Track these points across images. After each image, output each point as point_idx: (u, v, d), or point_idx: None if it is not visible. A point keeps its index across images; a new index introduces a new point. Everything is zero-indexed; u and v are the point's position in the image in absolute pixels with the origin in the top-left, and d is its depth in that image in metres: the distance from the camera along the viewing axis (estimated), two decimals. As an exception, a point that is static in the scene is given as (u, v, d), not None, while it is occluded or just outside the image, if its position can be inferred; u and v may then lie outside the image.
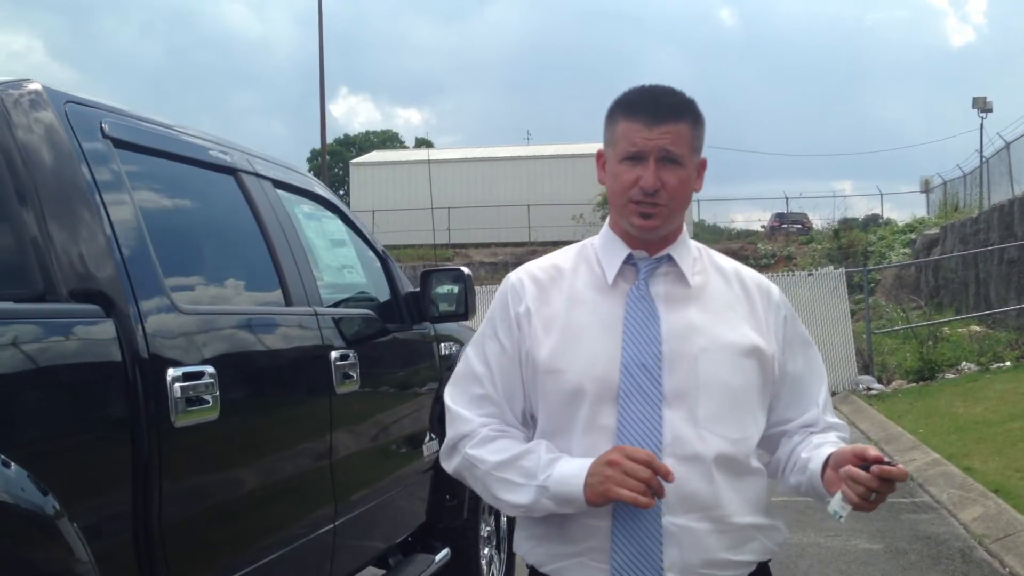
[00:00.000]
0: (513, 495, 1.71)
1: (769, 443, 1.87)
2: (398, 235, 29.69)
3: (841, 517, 1.67)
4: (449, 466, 1.85)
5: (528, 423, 1.82)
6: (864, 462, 1.63)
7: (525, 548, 1.81)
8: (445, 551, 4.14)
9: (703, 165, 1.81)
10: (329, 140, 52.61)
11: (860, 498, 1.62)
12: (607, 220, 1.86)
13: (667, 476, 1.59)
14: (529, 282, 1.82)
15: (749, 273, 1.89)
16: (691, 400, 1.69)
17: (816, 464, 1.75)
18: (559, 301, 1.78)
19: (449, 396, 1.86)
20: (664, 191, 1.70)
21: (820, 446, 1.78)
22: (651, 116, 1.70)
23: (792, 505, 7.10)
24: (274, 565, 2.75)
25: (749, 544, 1.74)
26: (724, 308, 1.78)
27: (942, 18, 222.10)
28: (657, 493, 1.59)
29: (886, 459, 1.64)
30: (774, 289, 1.87)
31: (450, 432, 1.83)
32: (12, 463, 1.84)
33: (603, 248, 1.82)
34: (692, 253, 1.83)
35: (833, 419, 1.88)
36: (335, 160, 53.91)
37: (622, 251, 1.79)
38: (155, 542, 2.26)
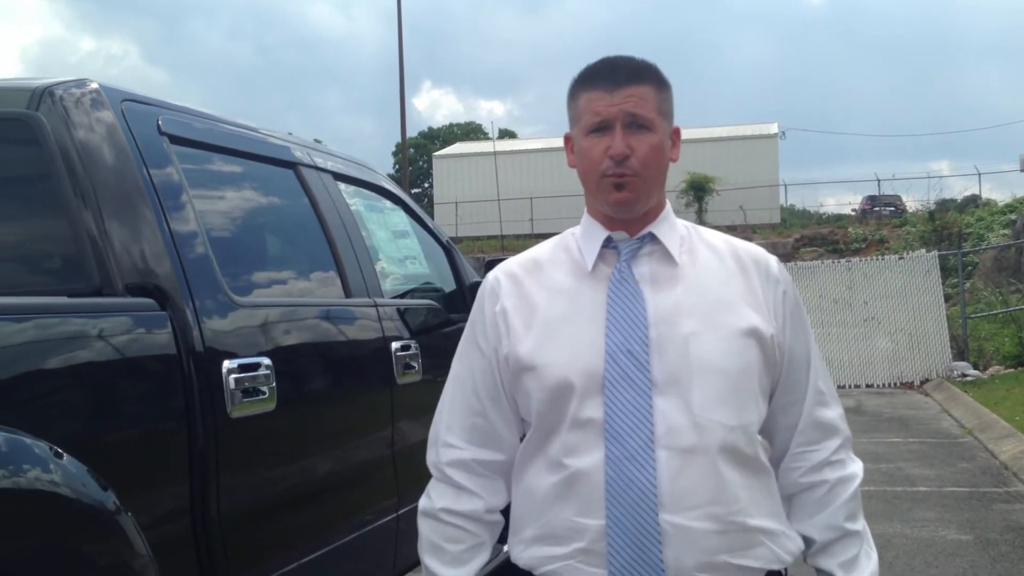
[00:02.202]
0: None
1: (767, 436, 1.75)
2: (481, 226, 29.82)
3: None
4: (428, 460, 1.83)
5: (519, 422, 1.75)
6: None
7: (516, 552, 1.70)
8: (515, 541, 4.13)
9: (677, 133, 1.69)
10: (413, 134, 53.15)
11: None
12: (586, 206, 1.75)
13: None
14: (506, 279, 1.73)
15: (744, 246, 1.74)
16: (684, 386, 1.56)
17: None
18: (538, 295, 1.68)
19: (444, 396, 1.82)
20: (634, 157, 1.59)
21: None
22: (611, 81, 1.61)
23: (879, 495, 6.91)
24: (335, 554, 2.77)
25: (756, 549, 1.59)
26: (717, 286, 1.65)
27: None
28: None
29: None
30: (772, 261, 1.72)
31: (434, 432, 1.82)
32: (72, 457, 1.87)
33: (583, 235, 1.72)
34: (679, 231, 1.71)
35: (824, 413, 1.73)
36: (419, 153, 54.39)
37: (600, 234, 1.68)
38: (213, 533, 2.29)
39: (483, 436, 1.74)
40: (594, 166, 1.62)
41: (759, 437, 1.67)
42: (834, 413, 1.74)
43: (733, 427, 1.58)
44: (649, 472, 1.53)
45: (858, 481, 1.73)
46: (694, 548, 1.54)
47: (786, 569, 1.67)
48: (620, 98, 1.59)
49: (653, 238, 1.67)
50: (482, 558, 1.75)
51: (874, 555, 1.72)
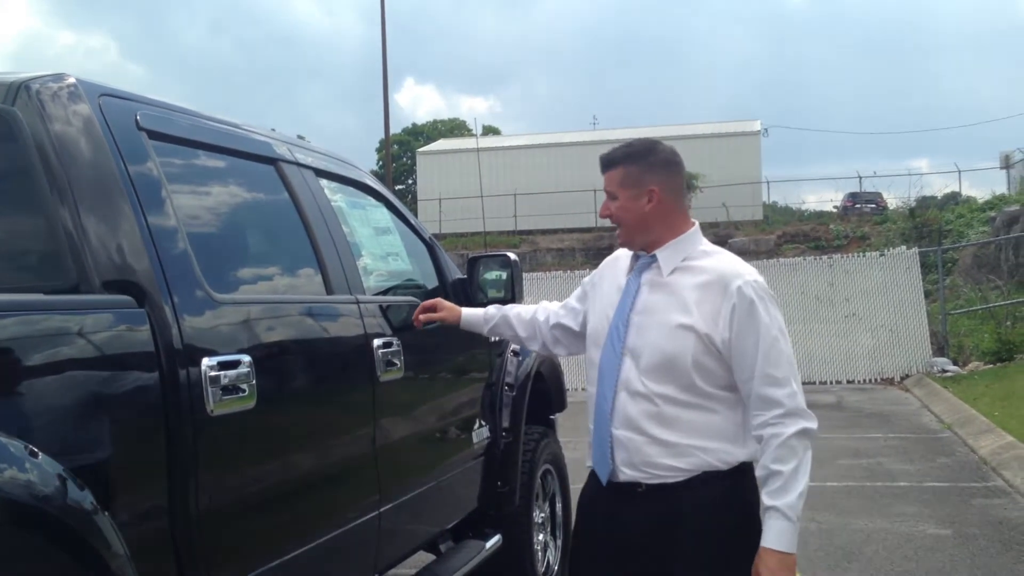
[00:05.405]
0: None
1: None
2: (465, 223, 29.77)
3: None
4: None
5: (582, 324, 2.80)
6: None
7: (587, 454, 2.59)
8: (496, 537, 4.13)
9: (653, 193, 2.49)
10: (396, 130, 52.88)
11: None
12: None
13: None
14: (604, 265, 2.74)
15: (720, 272, 2.43)
16: (637, 355, 2.45)
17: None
18: (603, 280, 2.68)
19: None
20: (612, 216, 2.55)
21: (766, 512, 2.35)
22: (601, 170, 2.57)
23: (859, 491, 6.96)
24: (316, 552, 2.76)
25: (686, 457, 2.40)
26: (681, 293, 2.44)
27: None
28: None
29: None
30: (734, 284, 2.40)
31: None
32: (48, 457, 1.85)
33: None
34: (679, 255, 2.49)
35: (770, 391, 2.35)
36: (403, 150, 54.15)
37: (633, 252, 2.62)
38: (192, 532, 2.27)
39: (566, 312, 2.89)
40: None
41: (716, 392, 2.40)
42: (780, 392, 2.36)
43: (663, 384, 2.40)
44: (611, 403, 2.46)
45: (783, 438, 2.33)
46: (637, 452, 2.43)
47: (719, 471, 2.39)
48: (605, 181, 2.56)
49: (655, 258, 2.51)
50: (495, 323, 3.09)
51: (797, 489, 2.31)
